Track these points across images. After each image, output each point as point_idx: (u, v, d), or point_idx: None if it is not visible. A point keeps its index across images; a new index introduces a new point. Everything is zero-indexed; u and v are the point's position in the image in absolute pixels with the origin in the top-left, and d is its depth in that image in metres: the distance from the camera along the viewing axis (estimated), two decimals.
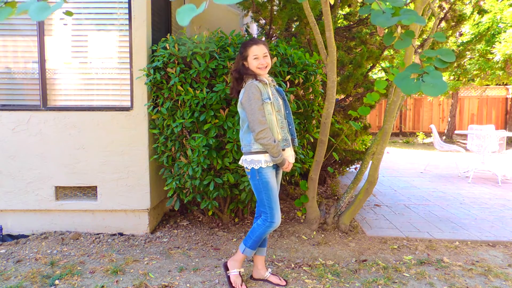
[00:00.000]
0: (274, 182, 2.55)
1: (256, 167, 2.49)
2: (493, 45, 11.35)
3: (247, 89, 2.48)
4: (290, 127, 2.68)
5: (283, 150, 2.54)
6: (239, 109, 2.59)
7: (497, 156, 8.29)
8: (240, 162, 2.65)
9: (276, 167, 2.59)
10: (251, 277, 2.82)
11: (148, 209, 3.69)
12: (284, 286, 2.71)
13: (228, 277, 2.69)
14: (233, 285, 2.65)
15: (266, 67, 2.53)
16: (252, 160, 2.50)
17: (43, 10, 1.20)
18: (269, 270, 2.82)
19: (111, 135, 3.62)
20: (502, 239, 3.71)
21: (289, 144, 2.61)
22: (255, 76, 2.53)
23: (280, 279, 2.75)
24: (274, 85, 2.67)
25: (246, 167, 2.56)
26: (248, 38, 3.85)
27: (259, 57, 2.50)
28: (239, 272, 2.71)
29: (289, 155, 2.61)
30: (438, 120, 14.97)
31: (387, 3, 1.30)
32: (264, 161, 2.49)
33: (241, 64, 2.56)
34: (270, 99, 2.49)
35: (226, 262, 2.77)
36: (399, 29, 1.30)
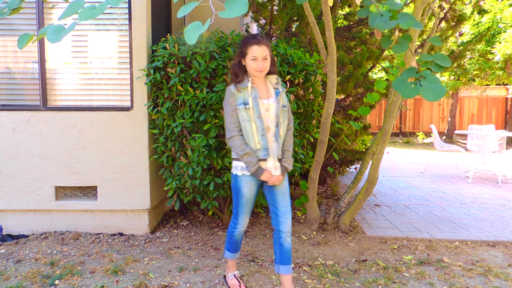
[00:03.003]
0: (248, 192, 2.44)
1: (233, 173, 2.46)
2: (493, 45, 11.36)
3: (225, 93, 2.41)
4: (287, 137, 2.49)
5: (264, 160, 2.37)
6: None
7: (497, 156, 8.29)
8: None
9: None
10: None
11: (148, 209, 3.69)
12: None
13: (227, 285, 2.70)
14: None
15: (263, 71, 2.35)
16: (232, 166, 2.48)
17: (59, 31, 1.27)
18: (237, 272, 2.78)
19: (111, 135, 3.62)
20: (502, 239, 3.71)
21: (270, 154, 2.38)
22: (245, 76, 2.38)
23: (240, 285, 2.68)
24: (275, 88, 2.45)
25: None
26: None
27: (258, 59, 2.31)
28: (234, 275, 2.72)
29: (271, 166, 2.38)
30: (438, 120, 14.97)
31: (385, 6, 1.31)
32: (240, 169, 2.42)
33: (238, 61, 2.39)
34: (247, 104, 2.32)
35: (225, 274, 2.81)
36: (396, 33, 1.30)
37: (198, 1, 1.11)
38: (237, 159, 2.43)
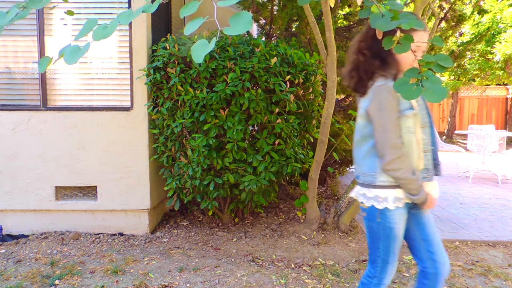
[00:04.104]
0: (402, 230, 1.76)
1: (379, 207, 1.72)
2: (493, 45, 11.36)
3: (378, 93, 1.66)
4: (433, 148, 1.81)
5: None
6: (360, 119, 1.77)
7: (497, 156, 8.29)
8: (353, 194, 1.86)
9: (412, 205, 1.77)
10: None
11: (148, 209, 3.69)
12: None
13: None
14: None
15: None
16: (376, 197, 1.72)
17: (76, 52, 1.33)
18: None
19: (111, 135, 3.62)
20: (502, 239, 3.71)
21: (432, 174, 1.79)
22: (396, 72, 1.72)
23: None
24: None
25: (362, 202, 1.78)
26: (248, 38, 3.81)
27: (420, 50, 1.66)
28: None
29: (432, 189, 1.77)
30: (438, 120, 14.97)
31: (386, 7, 1.31)
32: (393, 200, 1.70)
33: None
34: (413, 109, 1.67)
35: None
36: (398, 33, 1.29)
37: (199, 1, 1.12)
38: (385, 187, 1.71)
